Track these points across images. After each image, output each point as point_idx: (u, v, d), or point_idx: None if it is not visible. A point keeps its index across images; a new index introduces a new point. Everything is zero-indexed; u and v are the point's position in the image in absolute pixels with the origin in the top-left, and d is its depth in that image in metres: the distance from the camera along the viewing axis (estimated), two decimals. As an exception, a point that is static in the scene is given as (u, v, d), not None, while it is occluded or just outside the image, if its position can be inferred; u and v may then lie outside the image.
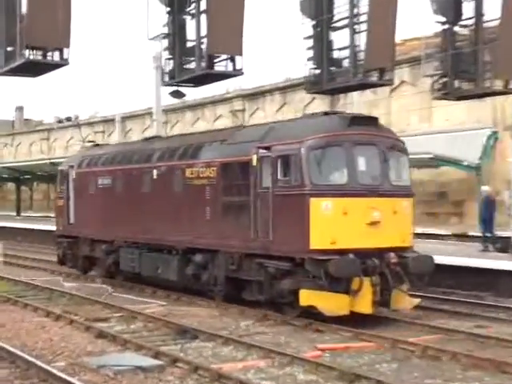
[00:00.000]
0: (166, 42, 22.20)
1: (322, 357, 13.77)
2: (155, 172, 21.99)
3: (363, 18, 21.00)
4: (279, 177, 17.12)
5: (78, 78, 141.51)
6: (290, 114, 50.96)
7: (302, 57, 22.35)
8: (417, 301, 17.66)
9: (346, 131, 17.00)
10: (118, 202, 24.08)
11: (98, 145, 30.80)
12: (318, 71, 22.12)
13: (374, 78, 21.56)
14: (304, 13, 22.10)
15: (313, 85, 22.65)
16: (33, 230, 44.71)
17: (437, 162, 34.24)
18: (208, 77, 21.32)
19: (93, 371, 12.60)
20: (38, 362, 12.64)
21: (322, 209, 16.39)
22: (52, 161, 48.24)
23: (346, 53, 21.56)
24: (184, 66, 21.73)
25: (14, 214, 58.02)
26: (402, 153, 17.96)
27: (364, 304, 16.39)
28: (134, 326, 17.01)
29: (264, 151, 17.53)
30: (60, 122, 77.05)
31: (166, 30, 22.00)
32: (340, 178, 16.88)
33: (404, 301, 17.35)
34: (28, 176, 57.51)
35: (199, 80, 22.00)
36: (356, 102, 41.41)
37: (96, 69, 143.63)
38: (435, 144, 33.68)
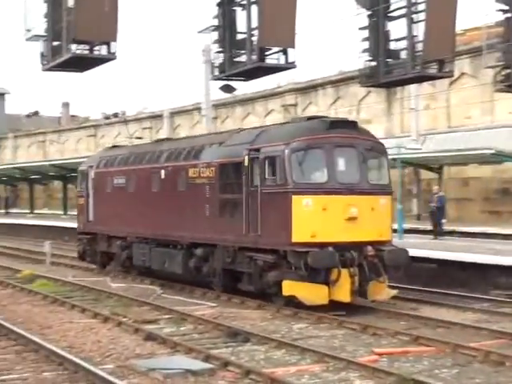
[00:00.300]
0: (215, 35, 21.89)
1: (379, 361, 13.37)
2: (163, 172, 23.54)
3: (421, 6, 20.45)
4: (266, 176, 18.65)
5: (126, 72, 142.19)
6: (345, 109, 50.50)
7: (356, 48, 21.82)
8: (394, 292, 18.97)
9: (326, 134, 18.44)
10: (130, 200, 25.68)
11: (115, 146, 32.15)
12: (373, 63, 21.60)
13: (433, 69, 21.02)
14: (359, 2, 21.60)
15: (368, 78, 22.12)
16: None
17: (500, 157, 33.31)
18: (259, 70, 20.98)
19: (142, 374, 12.35)
20: (86, 365, 12.40)
21: (302, 205, 17.90)
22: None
23: (404, 44, 21.02)
24: (234, 59, 21.42)
25: (61, 212, 58.14)
26: (381, 154, 19.37)
27: (342, 293, 17.75)
28: (183, 328, 16.73)
29: (254, 153, 19.07)
30: (107, 118, 77.44)
31: (215, 22, 21.68)
32: (320, 177, 18.34)
33: (382, 291, 18.62)
34: (75, 174, 57.58)
35: (250, 73, 21.66)
36: (414, 95, 40.68)
37: (144, 63, 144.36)
38: (498, 138, 32.94)
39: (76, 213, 31.66)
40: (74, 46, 19.76)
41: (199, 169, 21.55)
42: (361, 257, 17.96)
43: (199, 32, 23.11)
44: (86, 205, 28.67)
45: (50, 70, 21.69)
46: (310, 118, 20.24)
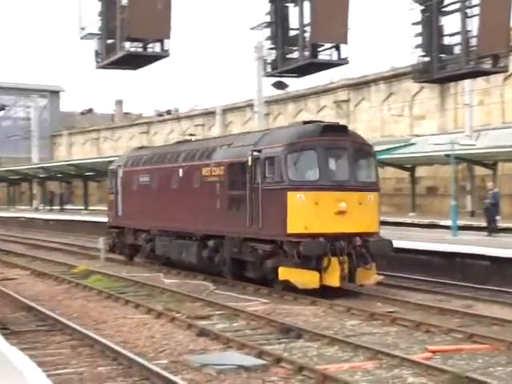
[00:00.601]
0: (268, 31, 21.93)
1: (433, 359, 13.20)
2: (181, 171, 25.61)
3: (475, 1, 20.26)
4: (266, 174, 20.61)
5: (179, 69, 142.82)
6: (397, 104, 50.17)
7: (409, 44, 21.65)
8: (380, 277, 21.08)
9: (319, 137, 20.31)
10: (153, 196, 27.75)
11: (142, 147, 34.87)
12: (427, 59, 21.45)
13: (487, 65, 20.80)
14: (412, -3, 21.39)
15: (421, 73, 21.96)
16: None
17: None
18: (312, 66, 20.96)
19: (195, 370, 12.37)
20: (140, 360, 12.45)
21: (297, 200, 19.85)
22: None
23: (457, 39, 20.84)
24: (287, 56, 21.43)
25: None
26: (369, 155, 21.40)
27: (333, 279, 19.68)
28: (236, 324, 16.70)
29: (257, 153, 20.97)
30: (160, 115, 77.85)
31: (268, 19, 21.72)
32: (313, 175, 20.29)
33: (369, 277, 20.60)
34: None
35: (302, 70, 21.65)
36: (467, 91, 40.24)
37: (196, 60, 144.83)
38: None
39: (107, 208, 33.42)
40: (127, 44, 19.92)
41: (211, 168, 23.52)
42: (349, 246, 19.85)
43: (252, 29, 23.17)
44: (115, 201, 30.78)
45: (104, 67, 21.90)
46: (306, 123, 21.95)
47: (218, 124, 67.53)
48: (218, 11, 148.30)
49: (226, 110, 68.13)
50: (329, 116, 57.35)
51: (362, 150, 21.05)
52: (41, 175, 68.98)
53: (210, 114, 70.71)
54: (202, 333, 15.21)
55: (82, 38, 22.73)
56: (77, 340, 14.62)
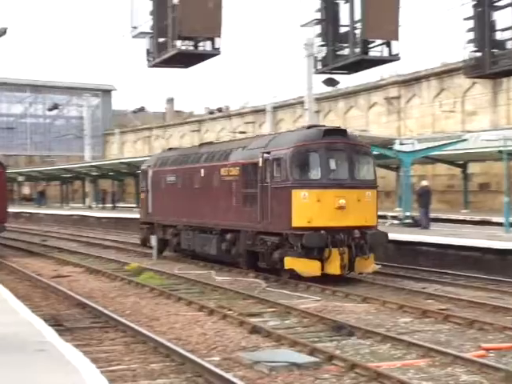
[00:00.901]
0: (318, 28, 21.89)
1: (487, 357, 13.06)
2: (202, 171, 27.85)
3: (528, -5, 19.91)
4: (274, 174, 22.65)
5: (229, 67, 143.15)
6: (449, 100, 49.69)
7: (461, 39, 21.43)
8: (377, 266, 22.94)
9: (321, 140, 22.27)
10: (179, 194, 30.05)
11: (170, 149, 37.16)
12: (478, 54, 21.17)
13: (541, 59, 20.42)
14: (465, -8, 21.17)
15: (473, 69, 21.72)
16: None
17: None
18: (362, 63, 20.88)
19: (247, 367, 12.41)
20: (193, 357, 12.51)
21: (301, 197, 21.89)
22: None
23: (510, 33, 20.55)
24: (337, 53, 21.34)
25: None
26: (367, 155, 23.35)
27: (333, 268, 21.68)
28: (288, 321, 16.69)
29: (266, 155, 23.02)
30: (211, 113, 78.03)
31: (318, 16, 21.65)
32: (315, 174, 22.30)
33: (367, 266, 22.55)
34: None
35: (353, 67, 21.59)
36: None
37: (246, 58, 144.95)
38: None
39: (139, 206, 35.93)
40: (179, 43, 20.01)
41: (228, 168, 25.74)
42: (349, 238, 21.83)
43: (302, 26, 23.11)
44: (145, 199, 33.42)
45: (155, 66, 22.04)
46: (309, 127, 24.40)
47: (269, 122, 67.47)
48: (268, 8, 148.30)
49: (277, 108, 68.07)
50: (379, 113, 57.12)
51: (360, 151, 22.99)
52: (93, 173, 69.58)
53: (260, 111, 70.71)
54: (254, 330, 15.23)
55: (133, 36, 22.89)
56: (130, 337, 14.72)
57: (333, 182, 22.12)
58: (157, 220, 32.13)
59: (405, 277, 23.90)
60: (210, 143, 32.89)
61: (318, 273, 21.67)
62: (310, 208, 21.89)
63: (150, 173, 32.98)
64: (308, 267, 21.73)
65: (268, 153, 23.08)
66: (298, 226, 21.84)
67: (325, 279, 21.68)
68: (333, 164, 22.29)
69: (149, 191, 33.03)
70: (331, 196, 21.91)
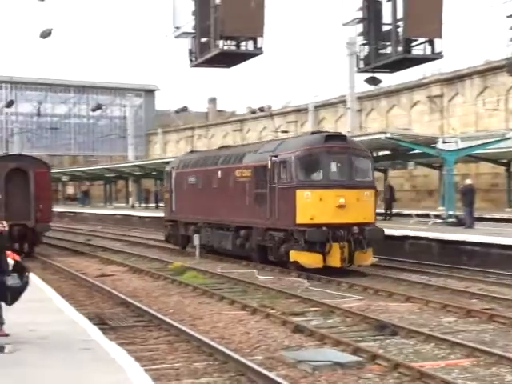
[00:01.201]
0: (360, 27, 21.81)
1: (533, 357, 12.92)
2: (220, 172, 29.93)
3: None
4: (281, 176, 24.72)
5: (271, 66, 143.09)
6: (492, 99, 49.20)
7: (503, 37, 21.22)
8: (375, 260, 24.70)
9: (323, 145, 24.33)
10: (199, 194, 32.09)
11: (192, 151, 41.26)
12: (522, 51, 20.92)
13: None
14: (508, -10, 20.95)
15: (517, 66, 21.46)
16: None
17: None
18: (405, 61, 20.77)
19: (290, 366, 12.40)
20: (236, 356, 12.56)
21: (304, 197, 23.89)
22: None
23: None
24: (380, 51, 21.22)
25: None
26: (366, 158, 25.28)
27: (334, 261, 23.50)
28: (331, 320, 16.66)
29: (274, 158, 25.14)
30: (253, 112, 77.98)
31: (360, 15, 21.54)
32: (317, 176, 24.42)
33: (365, 259, 24.32)
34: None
35: (396, 65, 21.48)
36: None
37: (288, 57, 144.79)
38: None
39: (164, 205, 38.26)
40: (221, 42, 20.04)
41: (242, 170, 27.80)
42: (348, 234, 23.61)
43: (344, 24, 23.01)
44: (169, 198, 35.37)
45: (197, 66, 22.14)
46: (313, 133, 26.88)
47: (311, 121, 67.34)
48: (310, 7, 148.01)
49: (319, 107, 67.92)
50: (422, 111, 56.75)
51: (358, 154, 24.96)
52: (136, 173, 69.96)
53: (302, 110, 70.61)
54: (297, 329, 15.23)
55: (176, 37, 22.98)
56: (173, 336, 14.79)
57: (333, 182, 24.09)
58: (179, 218, 34.01)
59: (448, 276, 23.74)
60: (228, 147, 35.77)
61: (320, 265, 23.58)
62: (312, 206, 23.86)
63: (174, 174, 35.04)
64: (311, 260, 23.72)
65: (276, 156, 25.15)
66: (302, 223, 23.85)
67: (327, 271, 23.53)
68: (333, 166, 24.37)
69: (172, 191, 35.03)
70: (332, 195, 23.83)
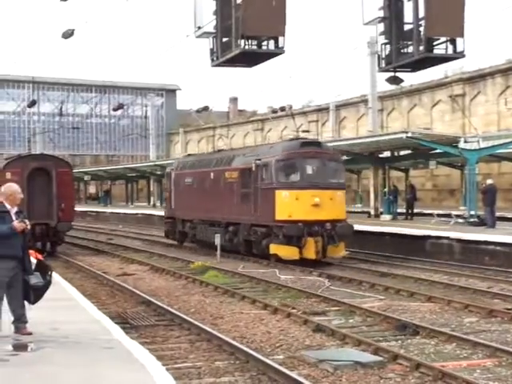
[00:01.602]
0: (381, 26, 21.73)
1: (556, 358, 12.86)
2: (212, 174, 32.93)
3: None
4: (263, 177, 27.88)
5: (292, 66, 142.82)
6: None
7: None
8: (346, 253, 27.77)
9: (299, 150, 27.68)
10: (194, 193, 34.97)
11: (189, 155, 44.91)
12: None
13: None
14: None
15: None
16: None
17: None
18: (427, 61, 20.67)
19: (311, 365, 12.41)
20: (257, 355, 12.58)
21: (283, 196, 27.03)
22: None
23: None
24: (401, 51, 21.14)
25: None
26: (338, 162, 28.91)
27: (309, 253, 26.43)
28: (352, 320, 16.65)
29: (258, 162, 28.18)
30: (274, 111, 77.90)
31: (381, 14, 21.47)
32: (295, 177, 27.51)
33: (337, 252, 27.30)
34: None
35: (417, 64, 21.39)
36: None
37: (309, 56, 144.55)
38: None
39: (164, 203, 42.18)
40: (242, 42, 20.02)
41: (231, 172, 30.76)
42: (322, 230, 26.55)
43: (365, 24, 22.95)
44: (169, 197, 38.44)
45: (219, 65, 22.12)
46: (292, 139, 30.80)
47: (332, 120, 67.26)
48: (331, 6, 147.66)
49: (340, 106, 67.80)
50: (443, 111, 56.52)
51: (331, 159, 28.27)
52: (158, 172, 70.13)
53: (323, 110, 70.51)
54: (318, 329, 15.23)
55: (197, 36, 22.98)
56: (195, 335, 14.83)
57: (309, 183, 27.04)
58: (177, 215, 36.84)
59: (470, 276, 23.66)
60: (221, 150, 39.52)
61: (296, 257, 26.47)
62: (290, 205, 26.90)
63: (173, 175, 38.00)
64: (288, 252, 26.67)
65: (259, 160, 28.19)
66: (281, 219, 26.88)
67: (302, 262, 26.22)
68: (309, 169, 27.38)
69: (172, 191, 37.87)
70: (308, 195, 26.79)
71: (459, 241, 27.57)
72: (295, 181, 27.32)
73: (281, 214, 26.83)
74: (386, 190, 41.03)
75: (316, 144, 28.97)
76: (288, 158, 27.46)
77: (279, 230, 26.71)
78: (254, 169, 28.31)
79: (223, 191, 31.37)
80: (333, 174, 27.81)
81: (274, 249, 27.07)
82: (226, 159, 32.19)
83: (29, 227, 10.89)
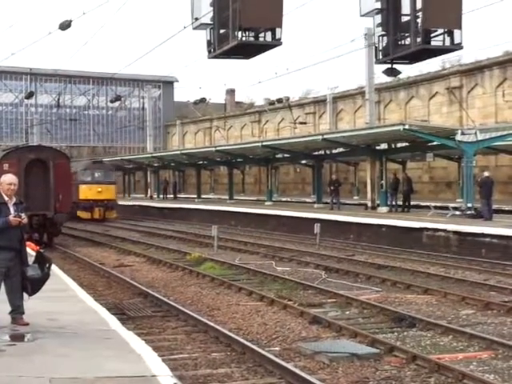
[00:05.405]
0: (378, 18, 21.59)
1: (552, 350, 12.88)
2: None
3: None
4: (77, 177, 50.01)
5: (289, 58, 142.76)
6: None
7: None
8: (117, 215, 51.81)
9: (92, 165, 53.18)
10: None
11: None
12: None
13: None
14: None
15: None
16: (246, 213, 45.22)
17: None
18: (424, 52, 20.55)
19: (307, 357, 12.42)
20: (254, 347, 12.61)
21: (84, 187, 50.27)
22: (264, 143, 48.41)
23: None
24: (398, 42, 21.04)
25: (227, 197, 58.89)
26: (111, 171, 54.26)
27: (96, 216, 50.27)
28: (348, 312, 16.68)
29: (74, 169, 45.58)
30: (271, 103, 77.85)
31: (379, 5, 21.37)
32: (88, 178, 51.93)
33: (111, 215, 51.38)
34: (240, 159, 57.86)
35: (414, 56, 21.25)
36: None
37: (307, 48, 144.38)
38: None
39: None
40: (239, 34, 19.93)
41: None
42: (103, 204, 50.25)
43: (362, 15, 22.84)
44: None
45: (216, 57, 21.99)
46: (91, 159, 58.44)
47: (329, 112, 67.26)
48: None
49: (337, 98, 67.80)
50: (441, 103, 56.49)
51: (107, 169, 52.87)
52: (155, 164, 70.16)
53: (320, 102, 70.51)
54: (315, 320, 15.24)
55: (194, 28, 22.89)
56: (191, 326, 14.86)
57: (96, 181, 49.97)
58: None
59: (467, 268, 23.68)
60: (79, 161, 60.97)
61: (89, 217, 48.33)
62: (87, 191, 48.99)
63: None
64: (85, 215, 48.56)
65: (76, 168, 46.74)
66: (82, 199, 48.71)
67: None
68: (96, 174, 50.37)
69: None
70: (95, 187, 49.30)
71: (456, 233, 27.59)
72: (89, 180, 50.07)
73: (82, 196, 48.83)
74: (382, 182, 41.07)
75: (100, 162, 54.83)
76: (86, 168, 51.00)
77: (81, 204, 48.28)
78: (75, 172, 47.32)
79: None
80: (108, 176, 51.42)
81: (79, 214, 47.86)
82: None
83: (25, 221, 10.84)
